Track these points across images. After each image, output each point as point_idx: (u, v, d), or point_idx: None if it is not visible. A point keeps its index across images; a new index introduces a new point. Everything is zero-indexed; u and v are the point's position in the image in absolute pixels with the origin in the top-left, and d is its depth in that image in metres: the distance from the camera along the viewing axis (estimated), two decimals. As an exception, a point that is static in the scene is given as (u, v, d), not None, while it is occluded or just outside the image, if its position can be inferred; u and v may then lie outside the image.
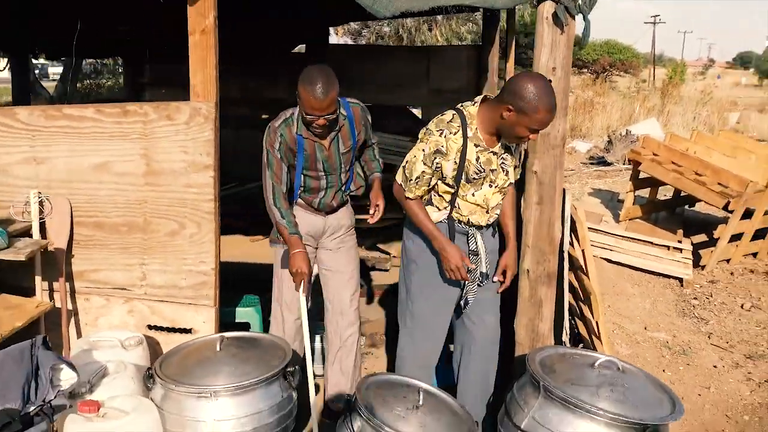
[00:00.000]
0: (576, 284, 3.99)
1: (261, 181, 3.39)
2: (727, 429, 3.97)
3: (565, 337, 3.76)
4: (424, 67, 8.03)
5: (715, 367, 4.79)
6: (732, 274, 6.89)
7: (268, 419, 2.89)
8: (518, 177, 3.36)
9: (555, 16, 3.32)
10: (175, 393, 2.83)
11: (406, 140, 6.54)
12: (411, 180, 3.12)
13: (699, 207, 8.79)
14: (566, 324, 3.74)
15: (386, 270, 5.82)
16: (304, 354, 3.28)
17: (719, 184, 6.90)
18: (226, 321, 3.81)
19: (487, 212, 3.21)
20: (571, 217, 3.72)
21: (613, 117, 17.97)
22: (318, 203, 3.50)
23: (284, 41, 8.38)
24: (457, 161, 3.06)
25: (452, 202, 3.16)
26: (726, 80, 47.00)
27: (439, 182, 3.15)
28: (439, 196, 3.18)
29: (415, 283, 3.32)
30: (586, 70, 37.72)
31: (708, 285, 6.55)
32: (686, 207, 8.68)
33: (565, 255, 3.66)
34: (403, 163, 3.19)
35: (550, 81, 2.98)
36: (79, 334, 3.71)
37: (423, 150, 3.08)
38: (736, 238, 7.07)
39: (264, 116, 8.45)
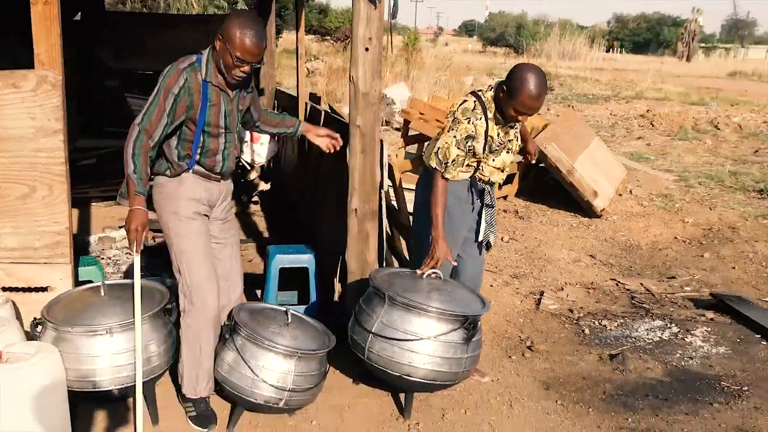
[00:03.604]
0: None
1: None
2: (508, 329, 4.92)
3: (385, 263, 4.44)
4: (204, 35, 8.26)
5: (491, 286, 5.77)
6: (491, 214, 8.04)
7: (156, 349, 3.25)
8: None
9: (369, -6, 3.91)
10: (70, 334, 3.07)
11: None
12: (448, 163, 3.67)
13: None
14: (386, 252, 4.42)
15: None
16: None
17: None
18: (70, 280, 3.99)
19: (502, 171, 3.87)
20: (388, 163, 4.39)
21: (365, 82, 19.07)
22: (221, 167, 3.39)
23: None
24: (484, 140, 3.67)
25: (477, 166, 3.77)
26: (454, 47, 50.70)
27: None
28: (468, 165, 3.76)
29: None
30: (329, 37, 38.64)
31: (473, 224, 7.61)
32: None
33: (383, 194, 4.32)
34: (435, 150, 3.72)
35: (543, 73, 3.57)
36: (-71, 302, 3.72)
37: (455, 137, 3.65)
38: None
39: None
